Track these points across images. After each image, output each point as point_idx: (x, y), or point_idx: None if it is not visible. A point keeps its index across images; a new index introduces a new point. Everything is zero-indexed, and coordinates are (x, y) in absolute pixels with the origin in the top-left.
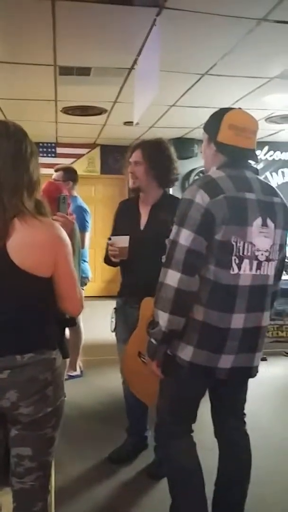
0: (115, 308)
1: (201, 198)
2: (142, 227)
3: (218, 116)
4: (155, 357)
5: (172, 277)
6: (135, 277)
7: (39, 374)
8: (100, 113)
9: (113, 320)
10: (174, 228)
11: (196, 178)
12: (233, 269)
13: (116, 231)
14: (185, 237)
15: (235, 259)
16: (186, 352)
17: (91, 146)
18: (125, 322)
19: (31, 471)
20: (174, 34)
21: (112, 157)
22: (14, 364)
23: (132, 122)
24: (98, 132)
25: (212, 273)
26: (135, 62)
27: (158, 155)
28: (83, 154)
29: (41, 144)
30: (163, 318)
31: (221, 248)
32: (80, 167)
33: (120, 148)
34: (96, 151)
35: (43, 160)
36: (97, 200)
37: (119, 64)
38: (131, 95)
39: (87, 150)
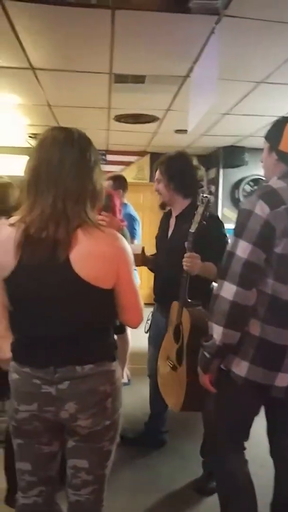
0: (152, 311)
1: (261, 208)
2: (168, 237)
3: (281, 124)
4: (208, 371)
5: (227, 290)
6: (158, 284)
7: (99, 386)
8: (152, 121)
9: (149, 322)
10: (232, 239)
11: (254, 188)
12: None
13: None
14: (242, 248)
15: None
16: (241, 368)
17: (141, 153)
18: (156, 325)
19: (87, 484)
20: (232, 42)
21: None
22: (74, 375)
23: (183, 130)
24: (149, 140)
25: (270, 287)
26: (190, 70)
27: (173, 168)
28: (133, 162)
29: None
30: (217, 332)
31: (280, 261)
32: (129, 174)
33: None
34: (146, 159)
35: None
36: (145, 207)
37: (174, 72)
38: (184, 103)
39: (136, 157)
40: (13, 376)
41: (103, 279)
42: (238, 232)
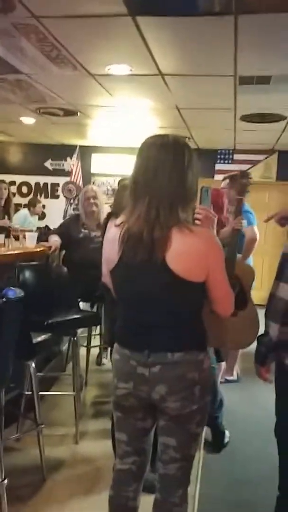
0: None
1: None
2: None
3: None
4: (265, 364)
5: (284, 290)
6: None
7: (188, 373)
8: (279, 120)
9: None
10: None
11: None
12: None
13: None
14: None
15: None
16: None
17: (269, 152)
18: None
19: (174, 461)
20: None
21: None
22: (165, 361)
23: None
24: (277, 138)
25: None
26: None
27: None
28: (260, 160)
29: (218, 151)
30: (273, 329)
31: None
32: (256, 173)
33: None
34: (274, 157)
35: (219, 166)
36: (271, 207)
37: None
38: None
39: (264, 156)
40: (115, 356)
41: (196, 274)
42: None
